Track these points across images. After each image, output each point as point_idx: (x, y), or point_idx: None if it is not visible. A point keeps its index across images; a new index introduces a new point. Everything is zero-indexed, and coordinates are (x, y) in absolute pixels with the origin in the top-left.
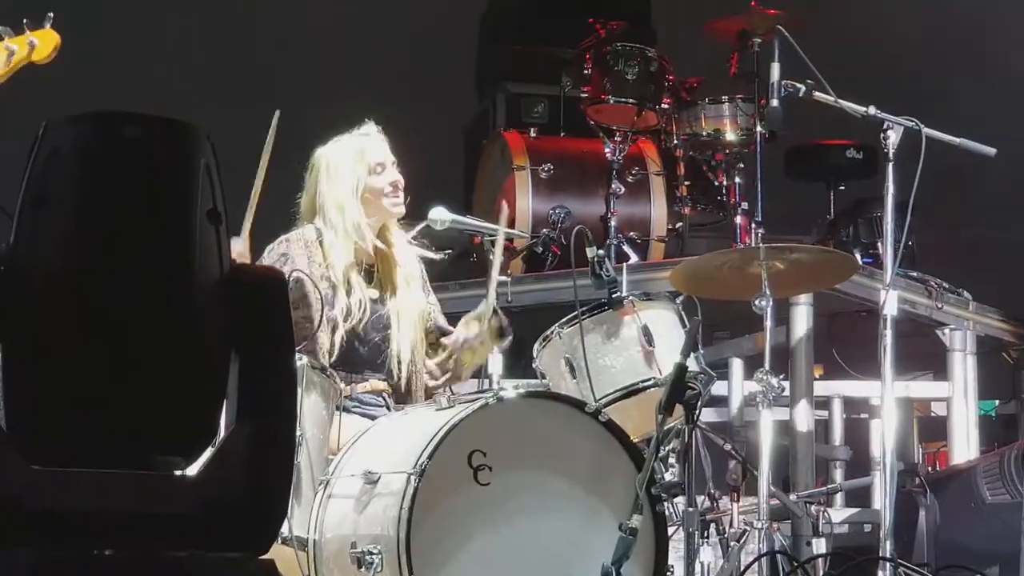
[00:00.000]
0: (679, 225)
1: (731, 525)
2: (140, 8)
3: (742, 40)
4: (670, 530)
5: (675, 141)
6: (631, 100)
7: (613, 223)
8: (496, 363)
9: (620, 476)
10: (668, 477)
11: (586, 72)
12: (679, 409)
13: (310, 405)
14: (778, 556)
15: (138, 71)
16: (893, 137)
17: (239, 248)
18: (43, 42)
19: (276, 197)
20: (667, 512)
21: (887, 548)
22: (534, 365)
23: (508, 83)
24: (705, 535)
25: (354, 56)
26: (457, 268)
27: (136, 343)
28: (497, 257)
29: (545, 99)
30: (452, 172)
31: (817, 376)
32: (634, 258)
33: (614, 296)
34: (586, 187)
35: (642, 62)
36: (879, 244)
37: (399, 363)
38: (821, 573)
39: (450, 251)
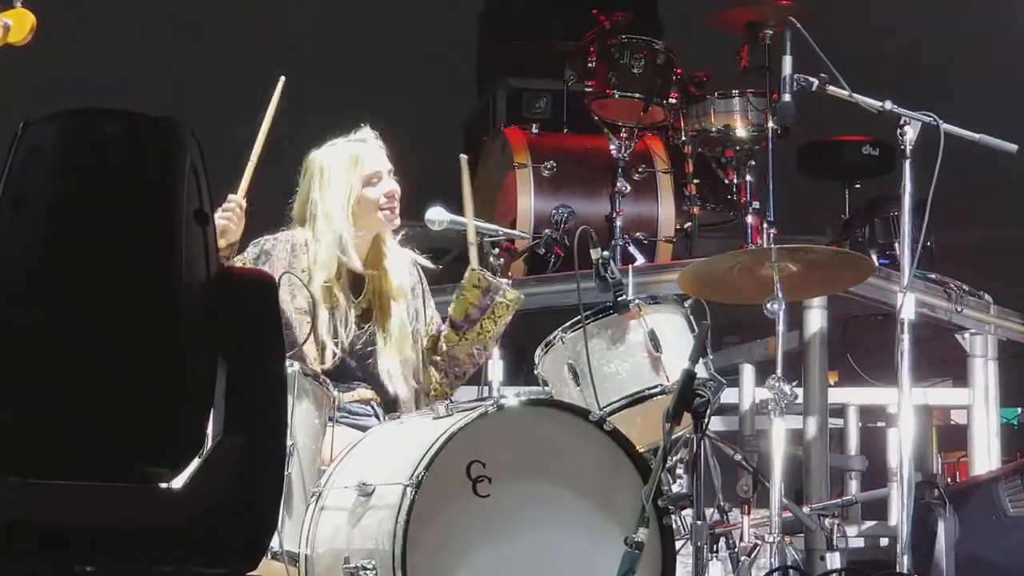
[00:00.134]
0: (687, 225)
1: (741, 539)
2: (125, 4)
3: (753, 32)
4: (678, 544)
5: (683, 137)
6: (637, 95)
7: (618, 223)
8: (496, 370)
9: (626, 488)
10: (676, 489)
11: (590, 65)
12: (687, 417)
13: (302, 413)
14: (790, 571)
15: (126, 68)
16: (910, 133)
17: (237, 200)
18: (17, 23)
19: (273, 197)
20: (675, 525)
21: (904, 563)
22: (536, 372)
23: (509, 77)
24: (714, 549)
25: (349, 49)
26: (456, 270)
27: (119, 349)
28: (468, 201)
29: (548, 94)
30: (450, 170)
31: (831, 383)
32: (640, 260)
33: (619, 299)
34: (590, 186)
35: (649, 55)
36: (896, 244)
37: (390, 378)
38: None
39: (450, 251)
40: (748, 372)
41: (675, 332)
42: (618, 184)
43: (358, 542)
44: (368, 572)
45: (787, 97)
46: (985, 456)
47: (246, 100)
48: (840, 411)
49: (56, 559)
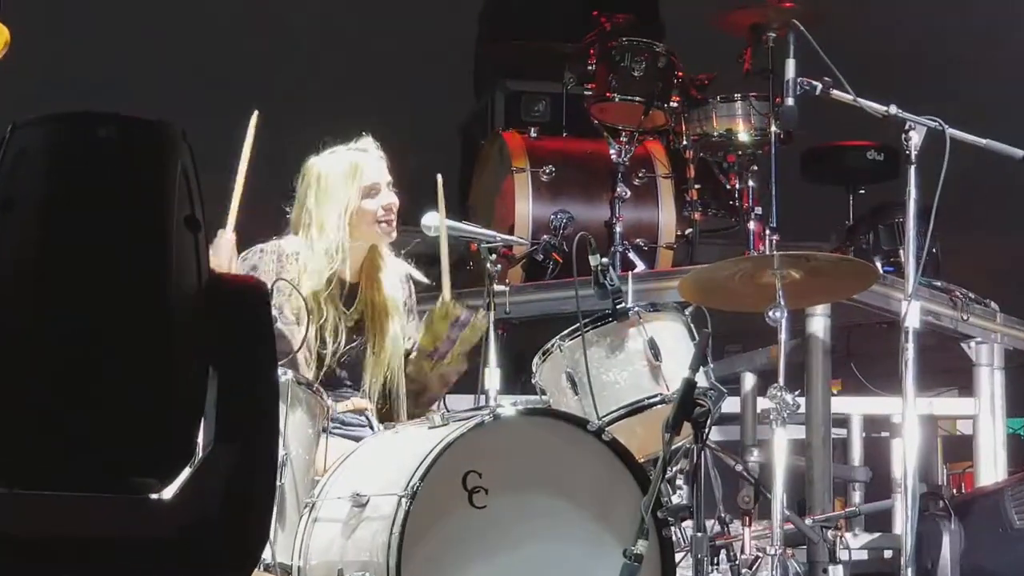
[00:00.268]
0: (688, 231)
1: (743, 551)
2: (125, 4)
3: (756, 35)
4: (677, 556)
5: (684, 142)
6: (638, 98)
7: (618, 229)
8: (493, 378)
9: (624, 499)
10: (675, 500)
11: (590, 68)
12: (687, 427)
13: (295, 423)
14: None
15: (125, 69)
16: (915, 138)
17: (226, 239)
18: None
19: (268, 198)
20: (674, 537)
21: None
22: (533, 380)
23: (507, 79)
24: (715, 562)
25: (343, 50)
26: (452, 277)
27: (108, 356)
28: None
29: (546, 97)
30: (447, 175)
31: (834, 392)
32: (640, 266)
33: (619, 307)
34: (590, 191)
35: (650, 58)
36: (901, 251)
37: (375, 393)
38: None
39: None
40: (749, 381)
41: (675, 340)
42: (618, 189)
43: (352, 554)
44: None
45: (790, 101)
46: (991, 467)
47: (245, 100)
48: (843, 421)
49: (44, 572)
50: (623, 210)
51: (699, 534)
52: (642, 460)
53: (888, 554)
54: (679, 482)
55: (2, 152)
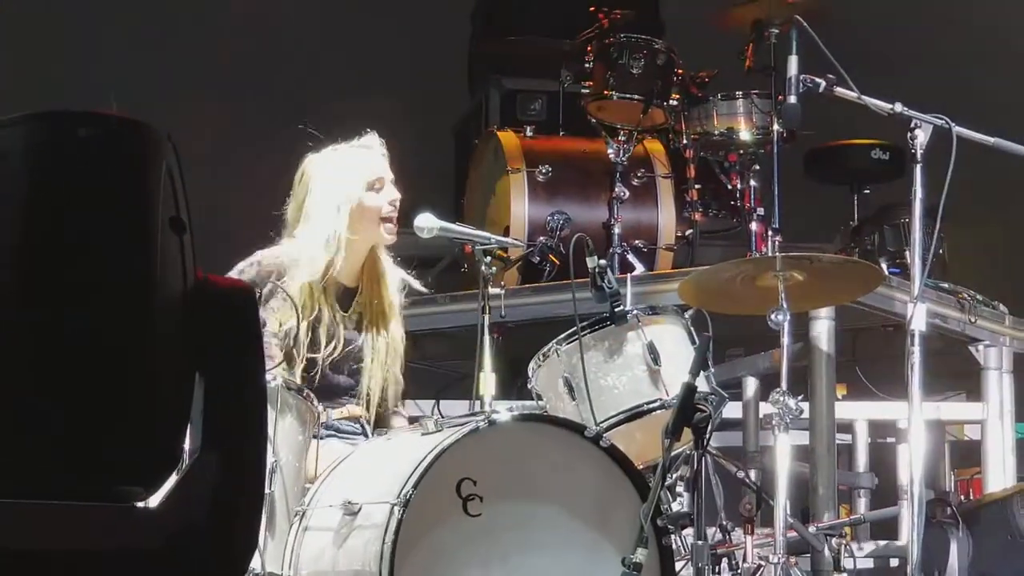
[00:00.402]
0: (689, 233)
1: (745, 559)
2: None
3: (758, 31)
4: (678, 565)
5: (685, 141)
6: (636, 96)
7: (617, 230)
8: (489, 383)
9: (623, 507)
10: (676, 508)
11: (587, 65)
12: (688, 433)
13: (285, 429)
14: None
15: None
16: (921, 136)
17: None
18: None
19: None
20: (674, 546)
21: None
22: (530, 385)
23: (502, 77)
24: (716, 571)
25: (334, 47)
26: (446, 280)
27: (91, 362)
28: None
29: (543, 95)
30: (441, 175)
31: (839, 397)
32: (639, 268)
33: (617, 310)
34: (587, 191)
35: (649, 55)
36: (907, 252)
37: (372, 398)
38: None
39: (441, 259)
40: (752, 385)
41: (675, 344)
42: (616, 189)
43: (343, 564)
44: None
45: (793, 99)
46: (1000, 473)
47: (242, 98)
48: (848, 426)
49: None
50: (621, 211)
51: (700, 542)
52: (641, 467)
53: (894, 563)
54: (679, 489)
55: None
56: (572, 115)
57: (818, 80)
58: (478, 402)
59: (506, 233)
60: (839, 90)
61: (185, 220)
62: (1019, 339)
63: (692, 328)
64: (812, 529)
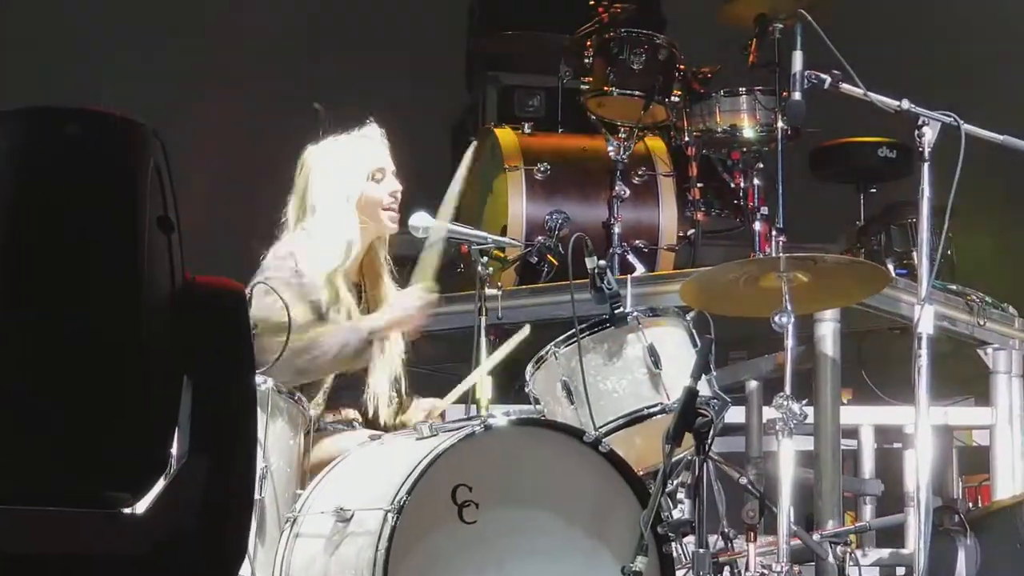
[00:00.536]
0: (691, 232)
1: (747, 568)
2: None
3: (761, 25)
4: (679, 574)
5: (686, 138)
6: (637, 92)
7: (617, 230)
8: (485, 387)
9: (623, 513)
10: (676, 515)
11: (587, 61)
12: (689, 438)
13: (276, 433)
14: None
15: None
16: (929, 134)
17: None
18: None
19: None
20: (675, 554)
21: None
22: (527, 389)
23: (500, 73)
24: None
25: (328, 42)
26: (441, 280)
27: (76, 365)
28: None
29: (541, 91)
30: (437, 173)
31: (844, 401)
32: (640, 269)
33: (617, 312)
34: (586, 190)
35: (650, 50)
36: (914, 253)
37: (375, 398)
38: None
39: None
40: (755, 390)
41: (676, 347)
42: (616, 188)
43: (335, 571)
44: None
45: (797, 95)
46: (1009, 479)
47: (241, 97)
48: (853, 431)
49: None
50: (622, 210)
51: (701, 550)
52: (641, 473)
53: (900, 571)
54: (680, 496)
55: None
56: (571, 112)
57: (823, 76)
58: (474, 406)
59: (503, 233)
60: (845, 86)
61: (173, 219)
62: None
63: (694, 330)
64: (816, 537)
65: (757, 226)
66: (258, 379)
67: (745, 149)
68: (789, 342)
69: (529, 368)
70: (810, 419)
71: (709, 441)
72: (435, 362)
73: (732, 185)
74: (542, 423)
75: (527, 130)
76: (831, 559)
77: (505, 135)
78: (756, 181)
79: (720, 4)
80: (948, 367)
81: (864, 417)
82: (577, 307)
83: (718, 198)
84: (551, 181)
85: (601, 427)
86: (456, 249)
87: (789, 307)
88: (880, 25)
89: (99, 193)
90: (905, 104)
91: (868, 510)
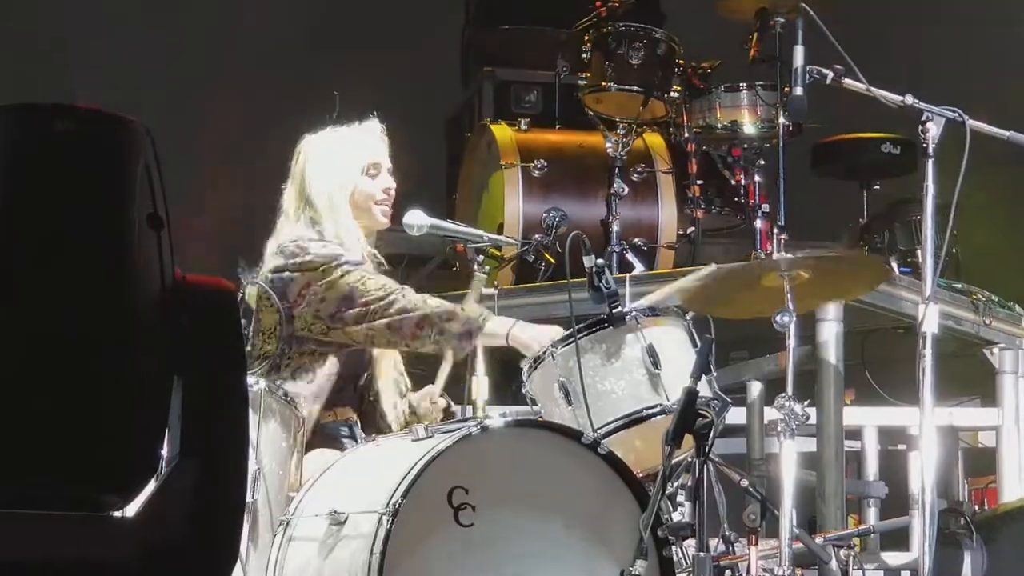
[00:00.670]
0: (691, 230)
1: (748, 572)
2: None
3: (762, 19)
4: None
5: (686, 134)
6: (636, 88)
7: (615, 228)
8: (481, 388)
9: (622, 517)
10: (676, 518)
11: (585, 56)
12: (689, 440)
13: (268, 435)
14: None
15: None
16: (933, 130)
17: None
18: None
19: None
20: (675, 557)
21: None
22: (524, 390)
23: (496, 68)
24: None
25: (323, 37)
26: (436, 279)
27: (65, 365)
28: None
29: (538, 87)
30: (432, 169)
31: (847, 402)
32: (639, 268)
33: (615, 311)
34: (584, 187)
35: (648, 44)
36: (918, 251)
37: (381, 397)
38: None
39: (431, 258)
40: (756, 390)
41: (676, 347)
42: (614, 185)
43: (329, 575)
44: None
45: (799, 90)
46: (1015, 481)
47: (239, 97)
48: (857, 433)
49: None
50: (620, 208)
51: (702, 554)
52: (641, 475)
53: (906, 575)
54: (680, 498)
55: None
56: (568, 107)
57: (825, 71)
58: (470, 407)
59: (500, 230)
60: (847, 81)
61: (163, 216)
62: None
63: (694, 330)
64: (819, 540)
65: (758, 224)
66: (250, 380)
67: (746, 145)
68: (791, 342)
69: (526, 369)
70: (812, 420)
71: (709, 443)
72: (431, 364)
73: (733, 182)
74: (539, 424)
75: (524, 126)
76: (834, 563)
77: (501, 131)
78: (757, 178)
79: None
80: (953, 367)
81: (867, 418)
82: (575, 307)
83: (718, 195)
84: (548, 178)
85: (599, 428)
86: (452, 248)
87: (791, 306)
88: (883, 19)
89: (88, 189)
90: (909, 99)
91: (872, 513)
